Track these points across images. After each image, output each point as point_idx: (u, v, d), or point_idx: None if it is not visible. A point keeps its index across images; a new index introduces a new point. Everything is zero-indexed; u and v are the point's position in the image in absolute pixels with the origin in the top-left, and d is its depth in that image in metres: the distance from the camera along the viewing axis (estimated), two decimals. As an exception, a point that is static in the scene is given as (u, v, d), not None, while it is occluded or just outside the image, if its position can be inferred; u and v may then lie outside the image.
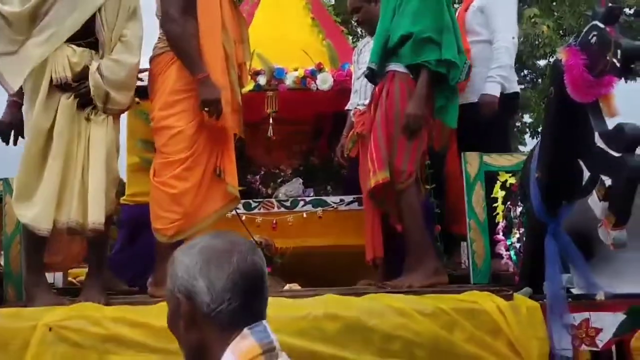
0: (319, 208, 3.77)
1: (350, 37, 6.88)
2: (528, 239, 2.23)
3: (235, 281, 0.99)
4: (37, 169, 2.36)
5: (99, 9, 2.41)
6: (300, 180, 4.06)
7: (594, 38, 1.68)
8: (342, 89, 3.71)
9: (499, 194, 2.67)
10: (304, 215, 3.75)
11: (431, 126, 2.74)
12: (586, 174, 1.83)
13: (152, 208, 2.53)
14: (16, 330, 2.10)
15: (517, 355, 2.02)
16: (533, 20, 8.01)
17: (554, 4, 8.71)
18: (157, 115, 2.53)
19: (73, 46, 2.42)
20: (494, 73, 3.03)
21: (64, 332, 2.10)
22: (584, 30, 1.77)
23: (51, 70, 2.37)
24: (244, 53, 2.79)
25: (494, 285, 2.51)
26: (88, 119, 2.43)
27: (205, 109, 2.45)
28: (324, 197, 3.87)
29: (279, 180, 4.25)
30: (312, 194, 3.98)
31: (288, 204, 3.83)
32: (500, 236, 2.64)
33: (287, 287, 2.98)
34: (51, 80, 2.37)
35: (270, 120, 3.91)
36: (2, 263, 2.97)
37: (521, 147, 10.17)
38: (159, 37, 2.59)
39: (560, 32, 8.83)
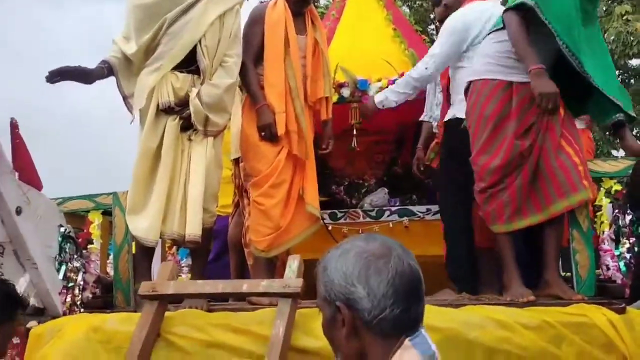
0: (405, 218, 3.75)
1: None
2: (642, 248, 2.09)
3: (395, 286, 0.96)
4: (146, 185, 2.57)
5: (200, 40, 2.59)
6: (386, 190, 4.05)
7: None
8: (424, 98, 3.68)
9: (604, 201, 2.53)
10: (390, 225, 3.74)
11: None
12: None
13: (250, 223, 2.78)
14: (128, 334, 2.23)
15: (633, 372, 1.89)
16: (625, 17, 7.56)
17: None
18: (239, 146, 2.92)
19: (177, 73, 2.63)
20: None
21: (171, 338, 2.21)
22: None
23: (158, 96, 2.59)
24: (325, 87, 3.03)
25: (601, 297, 2.38)
26: (190, 139, 2.62)
27: (262, 133, 2.74)
28: (409, 207, 3.84)
29: (363, 191, 4.27)
30: (397, 204, 3.96)
31: (374, 213, 3.84)
32: (606, 246, 2.49)
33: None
34: (157, 105, 2.58)
35: (354, 132, 3.93)
36: (111, 271, 3.19)
37: (614, 152, 9.59)
38: None
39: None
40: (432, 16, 12.68)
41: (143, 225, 2.51)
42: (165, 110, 2.59)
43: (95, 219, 3.02)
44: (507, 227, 2.50)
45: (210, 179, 2.60)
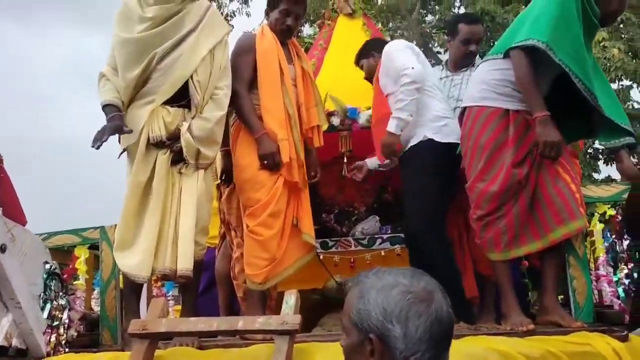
0: (397, 245, 3.71)
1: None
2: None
3: (432, 332, 0.99)
4: (136, 219, 2.49)
5: (191, 75, 2.57)
6: (377, 218, 4.01)
7: None
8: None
9: (597, 227, 2.52)
10: (382, 252, 3.70)
11: None
12: None
13: (245, 255, 2.69)
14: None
15: (639, 402, 1.85)
16: (602, 44, 7.76)
17: (622, 26, 8.41)
18: (236, 175, 2.80)
19: (168, 107, 2.59)
20: None
21: (163, 377, 2.12)
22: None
23: (148, 130, 2.54)
24: (318, 116, 3.04)
25: (600, 324, 2.35)
26: (180, 172, 2.57)
27: (265, 161, 2.69)
28: (401, 234, 3.80)
29: (354, 219, 4.23)
30: (389, 231, 3.92)
31: (365, 242, 3.79)
32: (602, 271, 2.47)
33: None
34: (148, 139, 2.53)
35: (345, 160, 3.91)
36: (96, 307, 3.09)
37: (595, 175, 9.70)
38: None
39: (630, 54, 8.49)
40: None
41: (133, 261, 2.43)
42: (156, 144, 2.54)
43: (82, 254, 2.93)
44: (505, 256, 2.48)
45: (201, 212, 2.55)
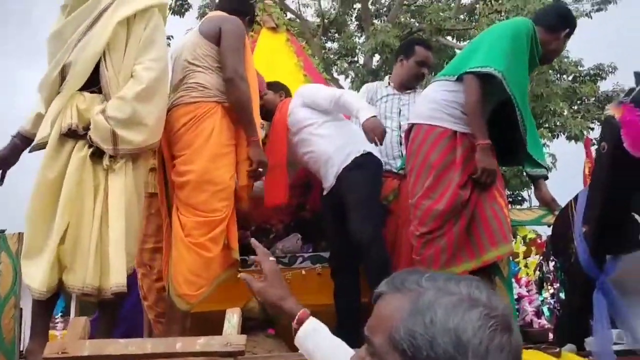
0: (318, 265, 3.65)
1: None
2: (569, 294, 2.22)
3: None
4: (45, 224, 2.16)
5: (103, 54, 2.29)
6: (299, 236, 3.93)
7: (650, 96, 1.75)
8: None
9: (520, 249, 2.67)
10: (303, 272, 3.62)
11: None
12: (642, 228, 1.85)
13: (181, 270, 2.34)
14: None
15: (573, 416, 1.95)
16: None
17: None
18: (201, 168, 2.37)
19: (84, 93, 2.30)
20: None
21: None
22: (638, 88, 1.84)
23: (61, 120, 2.23)
24: None
25: (525, 343, 2.47)
26: (105, 169, 2.24)
27: (259, 169, 2.47)
28: (322, 253, 3.76)
29: (271, 236, 4.12)
30: (310, 250, 3.86)
31: (286, 260, 3.68)
32: (524, 292, 2.62)
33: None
34: (60, 130, 2.21)
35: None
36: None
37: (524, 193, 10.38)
38: (190, 86, 2.51)
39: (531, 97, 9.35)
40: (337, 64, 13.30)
41: (36, 272, 2.10)
42: (69, 135, 2.21)
43: (-25, 265, 2.52)
44: None
45: (131, 214, 2.23)
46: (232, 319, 2.02)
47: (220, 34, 2.50)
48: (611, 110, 1.88)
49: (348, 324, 2.77)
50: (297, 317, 1.31)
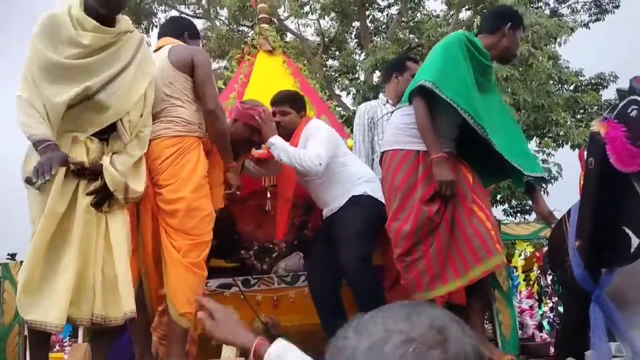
0: (320, 283, 3.67)
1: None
2: (567, 307, 2.22)
3: None
4: (49, 258, 2.18)
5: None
6: (301, 255, 3.96)
7: (634, 112, 1.78)
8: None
9: (519, 263, 2.68)
10: (306, 290, 3.64)
11: None
12: (634, 241, 1.86)
13: (181, 289, 2.44)
14: None
15: None
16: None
17: (508, 81, 9.29)
18: (190, 197, 2.50)
19: (92, 137, 2.37)
20: None
21: None
22: (621, 104, 1.87)
23: (73, 155, 2.28)
24: None
25: (525, 356, 2.47)
26: (103, 211, 2.33)
27: (237, 192, 2.65)
28: (324, 272, 3.78)
29: (274, 255, 4.14)
30: (312, 269, 3.88)
31: (289, 279, 3.72)
32: (524, 305, 2.62)
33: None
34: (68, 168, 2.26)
35: (268, 195, 3.86)
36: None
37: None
38: (172, 119, 2.60)
39: (514, 106, 9.37)
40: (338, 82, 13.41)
41: (43, 306, 2.11)
42: (77, 173, 2.28)
43: (-22, 293, 2.56)
44: (427, 295, 2.54)
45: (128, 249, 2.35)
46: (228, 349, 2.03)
47: (194, 66, 2.60)
48: (596, 126, 1.90)
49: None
50: (253, 349, 1.28)
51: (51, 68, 2.25)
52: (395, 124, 2.78)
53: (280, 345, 1.28)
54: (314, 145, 2.98)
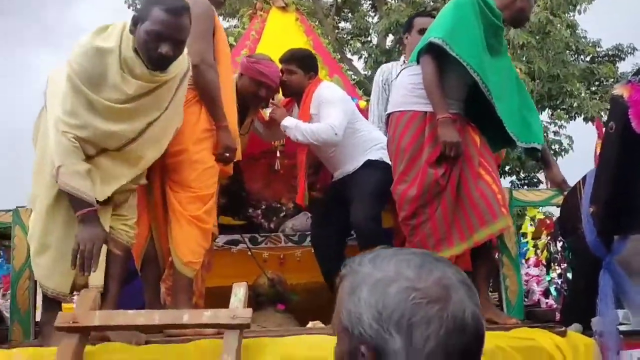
0: (327, 243, 3.68)
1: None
2: (577, 274, 2.22)
3: (446, 347, 0.73)
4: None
5: None
6: (308, 215, 3.95)
7: (660, 75, 1.72)
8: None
9: (529, 229, 2.66)
10: (312, 250, 3.65)
11: None
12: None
13: (184, 240, 2.44)
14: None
15: (576, 393, 1.97)
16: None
17: (524, 49, 9.09)
18: (192, 149, 2.48)
19: None
20: None
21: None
22: (648, 68, 1.82)
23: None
24: None
25: (530, 321, 2.48)
26: None
27: (226, 154, 2.53)
28: (330, 232, 3.78)
29: (282, 215, 4.14)
30: (319, 229, 3.88)
31: (296, 238, 3.73)
32: (532, 271, 2.61)
33: (310, 324, 2.84)
34: None
35: (278, 154, 3.84)
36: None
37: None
38: None
39: (529, 75, 9.20)
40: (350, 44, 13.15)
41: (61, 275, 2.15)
42: None
43: (-11, 239, 2.58)
44: None
45: None
46: (239, 292, 2.05)
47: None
48: (619, 89, 1.85)
49: None
50: None
51: (93, 107, 2.12)
52: (402, 84, 2.71)
53: None
54: (328, 115, 2.97)
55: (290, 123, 3.00)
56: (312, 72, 3.22)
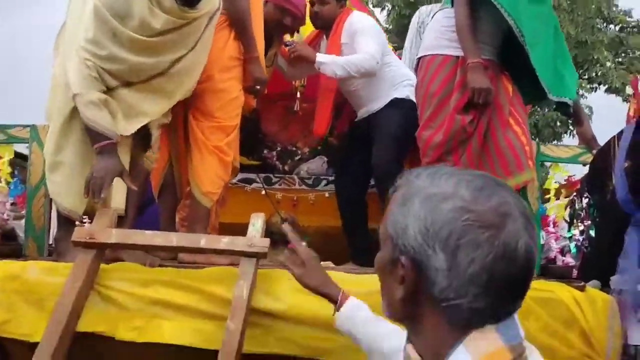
0: (342, 189, 3.64)
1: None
2: (601, 231, 2.17)
3: (493, 272, 0.70)
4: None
5: None
6: (325, 159, 3.92)
7: None
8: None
9: (552, 185, 2.60)
10: (327, 194, 3.63)
11: None
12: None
13: (204, 170, 2.43)
14: (55, 285, 1.89)
15: (590, 347, 1.95)
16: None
17: (555, 11, 8.79)
18: (217, 77, 2.42)
19: None
20: None
21: (108, 292, 1.91)
22: None
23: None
24: None
25: (545, 277, 2.45)
26: None
27: (257, 86, 2.49)
28: (346, 178, 3.74)
29: (297, 158, 4.10)
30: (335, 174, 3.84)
31: (310, 181, 3.70)
32: (550, 228, 2.57)
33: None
34: None
35: (298, 95, 3.76)
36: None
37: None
38: None
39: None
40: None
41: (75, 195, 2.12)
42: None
43: (6, 153, 2.55)
44: None
45: None
46: (257, 223, 2.02)
47: None
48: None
49: (358, 243, 2.94)
50: (338, 301, 1.39)
51: (121, 39, 2.07)
52: (435, 27, 2.61)
53: (350, 306, 1.38)
54: (365, 44, 2.89)
55: (326, 59, 2.91)
56: (344, 1, 3.13)
